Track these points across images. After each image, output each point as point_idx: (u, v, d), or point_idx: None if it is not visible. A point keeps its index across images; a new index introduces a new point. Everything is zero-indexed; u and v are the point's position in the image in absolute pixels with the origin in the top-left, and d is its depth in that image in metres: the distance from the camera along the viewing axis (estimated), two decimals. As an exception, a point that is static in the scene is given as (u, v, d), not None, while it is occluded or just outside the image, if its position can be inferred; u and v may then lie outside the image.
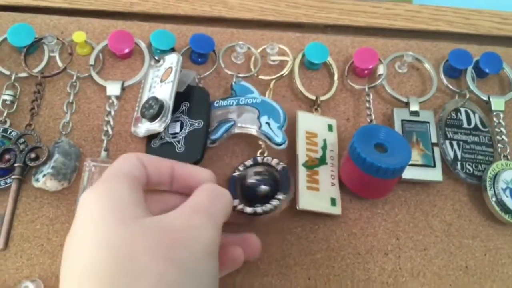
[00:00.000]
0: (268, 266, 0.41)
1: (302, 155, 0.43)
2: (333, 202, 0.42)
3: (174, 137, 0.43)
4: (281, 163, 0.42)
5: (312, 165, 0.43)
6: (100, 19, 0.50)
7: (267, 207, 0.39)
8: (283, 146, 0.42)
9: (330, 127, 0.46)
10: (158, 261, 0.26)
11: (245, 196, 0.41)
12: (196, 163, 0.41)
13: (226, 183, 0.43)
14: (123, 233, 0.27)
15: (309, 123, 0.45)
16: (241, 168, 0.43)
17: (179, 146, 0.42)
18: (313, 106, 0.47)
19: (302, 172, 0.43)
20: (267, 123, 0.43)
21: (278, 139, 0.42)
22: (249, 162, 0.43)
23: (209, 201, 0.32)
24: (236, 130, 0.44)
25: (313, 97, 0.47)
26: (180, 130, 0.43)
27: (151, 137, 0.44)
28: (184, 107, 0.44)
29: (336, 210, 0.42)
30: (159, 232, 0.27)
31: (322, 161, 0.44)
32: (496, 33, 0.54)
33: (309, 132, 0.45)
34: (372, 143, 0.41)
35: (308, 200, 0.41)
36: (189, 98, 0.45)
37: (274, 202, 0.39)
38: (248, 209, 0.39)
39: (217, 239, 0.29)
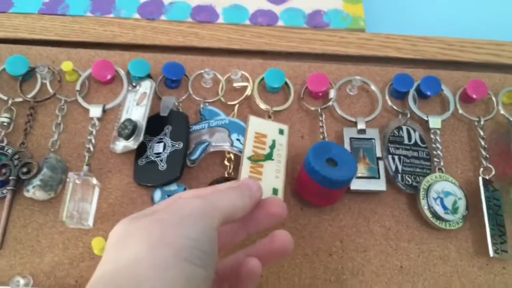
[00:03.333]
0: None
1: (248, 150, 0.46)
2: (275, 191, 0.44)
3: (158, 156, 0.50)
4: None
5: (257, 159, 0.46)
6: (86, 50, 0.57)
7: None
8: None
9: (281, 131, 0.49)
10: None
11: None
12: (175, 180, 0.48)
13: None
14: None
15: (260, 126, 0.49)
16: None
17: (162, 164, 0.49)
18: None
19: (246, 165, 0.45)
20: (238, 139, 0.50)
21: None
22: (221, 180, 0.49)
23: (212, 189, 0.33)
24: (212, 149, 0.51)
25: (268, 107, 0.54)
26: (163, 150, 0.50)
27: (138, 155, 0.50)
28: (167, 130, 0.51)
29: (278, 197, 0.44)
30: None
31: (268, 157, 0.47)
32: (440, 58, 0.60)
33: (258, 133, 0.48)
34: (324, 157, 0.47)
35: None
36: (171, 121, 0.51)
37: None
38: None
39: (210, 216, 0.31)
